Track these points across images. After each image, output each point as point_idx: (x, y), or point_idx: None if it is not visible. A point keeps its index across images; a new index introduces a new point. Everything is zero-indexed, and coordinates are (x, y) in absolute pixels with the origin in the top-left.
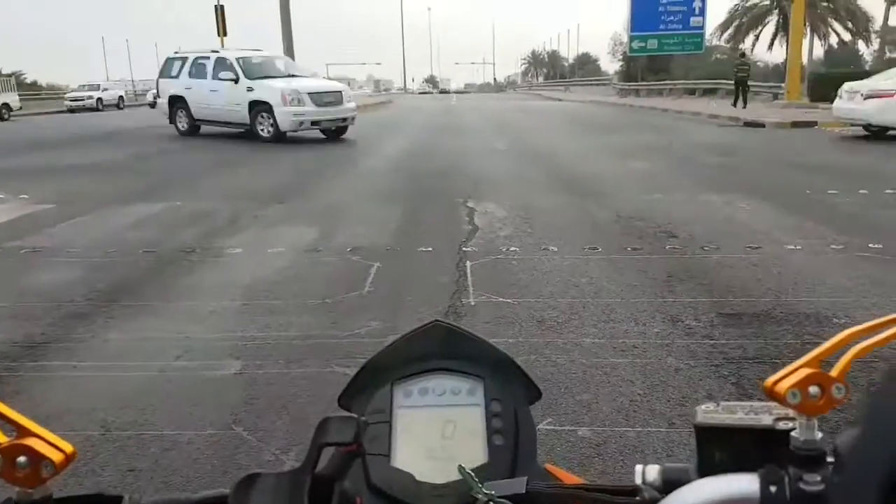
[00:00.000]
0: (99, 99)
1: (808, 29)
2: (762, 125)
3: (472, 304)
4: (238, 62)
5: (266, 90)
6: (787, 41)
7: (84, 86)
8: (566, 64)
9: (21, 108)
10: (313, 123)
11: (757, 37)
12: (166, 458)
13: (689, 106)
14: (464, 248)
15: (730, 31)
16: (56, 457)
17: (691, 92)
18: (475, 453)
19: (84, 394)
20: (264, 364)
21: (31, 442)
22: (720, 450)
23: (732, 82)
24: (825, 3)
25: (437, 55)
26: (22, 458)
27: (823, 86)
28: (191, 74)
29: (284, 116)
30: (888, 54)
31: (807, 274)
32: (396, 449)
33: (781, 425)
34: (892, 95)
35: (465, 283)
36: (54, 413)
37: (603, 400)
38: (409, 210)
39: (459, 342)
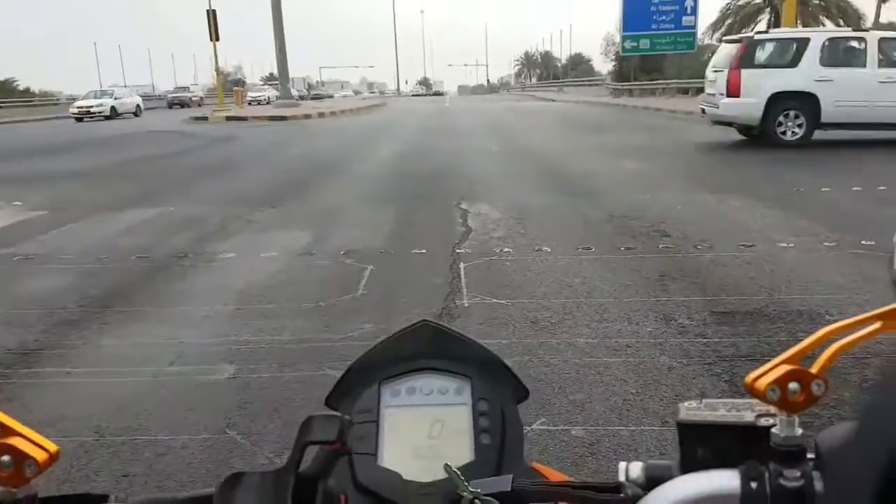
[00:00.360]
0: (112, 108)
1: (800, 26)
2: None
3: (466, 305)
4: None
5: None
6: None
7: (95, 92)
8: (559, 65)
9: None
10: None
11: None
12: (160, 462)
13: (681, 105)
14: (457, 250)
15: (722, 29)
16: (40, 456)
17: (684, 91)
18: (462, 452)
19: (77, 400)
20: (258, 368)
21: (14, 441)
22: (702, 446)
23: None
24: (816, 1)
25: (429, 57)
26: (5, 458)
27: None
28: (824, 62)
29: None
30: None
31: (800, 271)
32: (383, 448)
33: (762, 422)
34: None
35: (458, 284)
36: (48, 419)
37: (596, 399)
38: (402, 212)
39: (447, 342)
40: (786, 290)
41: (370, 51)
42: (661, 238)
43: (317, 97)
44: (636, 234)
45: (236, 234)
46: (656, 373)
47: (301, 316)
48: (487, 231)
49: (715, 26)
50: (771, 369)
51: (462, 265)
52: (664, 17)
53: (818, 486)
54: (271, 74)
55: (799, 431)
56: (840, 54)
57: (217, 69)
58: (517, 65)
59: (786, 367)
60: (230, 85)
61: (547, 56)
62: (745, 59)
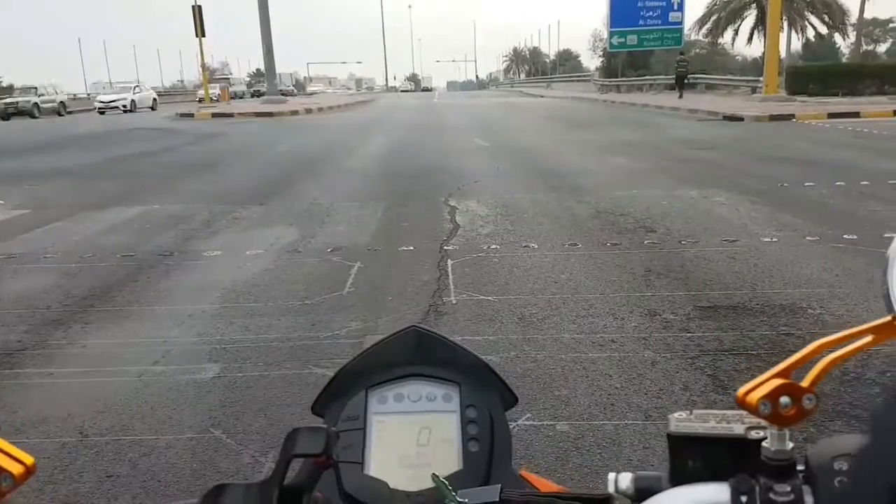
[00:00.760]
0: (132, 101)
1: (786, 23)
2: (741, 119)
3: (454, 302)
4: None
5: None
6: (764, 35)
7: (116, 84)
8: (547, 60)
9: None
10: None
11: (736, 31)
12: (144, 463)
13: (668, 101)
14: (445, 247)
15: (708, 25)
16: (16, 469)
17: (672, 87)
18: (450, 460)
19: (60, 400)
20: (243, 367)
21: None
22: (692, 458)
23: (674, 77)
24: None
25: (418, 53)
26: None
27: (801, 79)
28: None
29: None
30: (864, 47)
31: (782, 266)
32: (370, 457)
33: (753, 434)
34: None
35: (446, 281)
36: (30, 420)
37: (581, 394)
38: (390, 209)
39: (435, 347)
40: (769, 284)
41: (358, 46)
42: (647, 233)
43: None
44: (622, 230)
45: (222, 231)
46: (641, 367)
47: (287, 314)
48: (475, 227)
49: (701, 22)
50: (762, 383)
51: (450, 262)
52: (651, 13)
53: (808, 500)
54: (258, 70)
55: (790, 445)
56: None
57: (203, 65)
58: (506, 61)
59: (777, 381)
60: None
61: (535, 52)
62: None
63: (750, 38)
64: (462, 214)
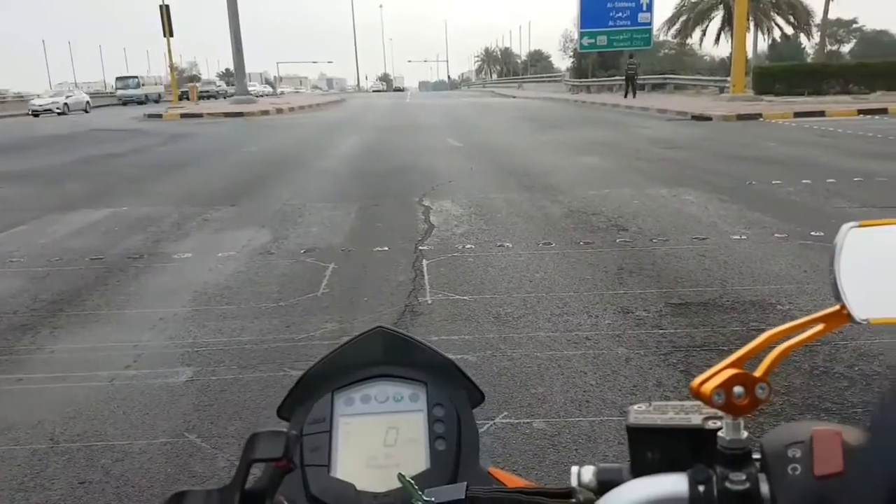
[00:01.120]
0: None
1: (752, 23)
2: (709, 118)
3: (429, 302)
4: None
5: None
6: (731, 35)
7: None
8: (519, 61)
9: None
10: None
11: (703, 31)
12: (118, 468)
13: (638, 102)
14: (420, 247)
15: (677, 26)
16: None
17: (641, 87)
18: (417, 460)
19: (30, 407)
20: (217, 370)
21: None
22: (651, 450)
23: (624, 78)
24: None
25: (389, 53)
26: None
27: (767, 79)
28: None
29: None
30: (829, 47)
31: (751, 263)
32: (337, 459)
33: (710, 424)
34: None
35: (421, 281)
36: None
37: (557, 392)
38: (364, 210)
39: (401, 347)
40: (738, 281)
41: (329, 46)
42: (619, 232)
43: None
44: (594, 229)
45: (193, 233)
46: (615, 364)
47: (261, 316)
48: (450, 227)
49: (670, 22)
50: (716, 373)
51: (425, 262)
52: (620, 14)
53: (763, 488)
54: (227, 70)
55: (744, 434)
56: None
57: (171, 65)
58: (477, 61)
59: (730, 372)
60: (185, 81)
61: (507, 52)
62: None
63: (717, 39)
64: (436, 214)
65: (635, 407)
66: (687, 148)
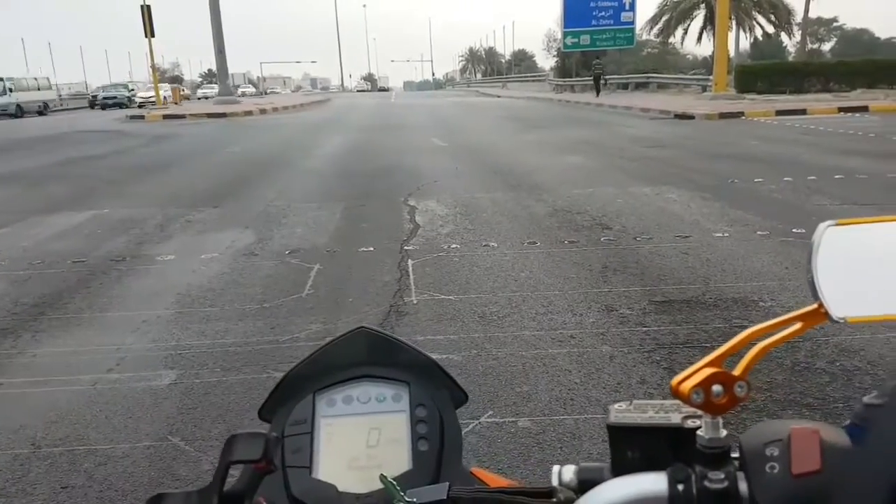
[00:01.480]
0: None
1: (734, 22)
2: (692, 117)
3: (415, 302)
4: None
5: None
6: (714, 34)
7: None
8: (503, 61)
9: None
10: None
11: (686, 30)
12: (101, 472)
13: (623, 101)
14: (405, 247)
15: (659, 25)
16: None
17: (624, 86)
18: (400, 460)
19: (11, 411)
20: (200, 373)
21: None
22: (632, 449)
23: (591, 77)
24: None
25: (373, 53)
26: None
27: (749, 77)
28: None
29: None
30: (809, 45)
31: (734, 260)
32: (319, 460)
33: (689, 423)
34: None
35: (407, 281)
36: None
37: (542, 390)
38: (349, 210)
39: (384, 348)
40: (721, 278)
41: (313, 46)
42: (603, 230)
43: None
44: (579, 228)
45: (176, 235)
46: (598, 362)
47: (245, 318)
48: (435, 227)
49: (653, 21)
50: (695, 372)
51: (410, 262)
52: (603, 13)
53: (742, 486)
54: (210, 71)
55: (723, 433)
56: None
57: (153, 66)
58: (462, 61)
59: (709, 370)
60: (166, 82)
61: (491, 52)
62: None
63: (699, 38)
64: (422, 214)
65: (616, 406)
66: (670, 146)
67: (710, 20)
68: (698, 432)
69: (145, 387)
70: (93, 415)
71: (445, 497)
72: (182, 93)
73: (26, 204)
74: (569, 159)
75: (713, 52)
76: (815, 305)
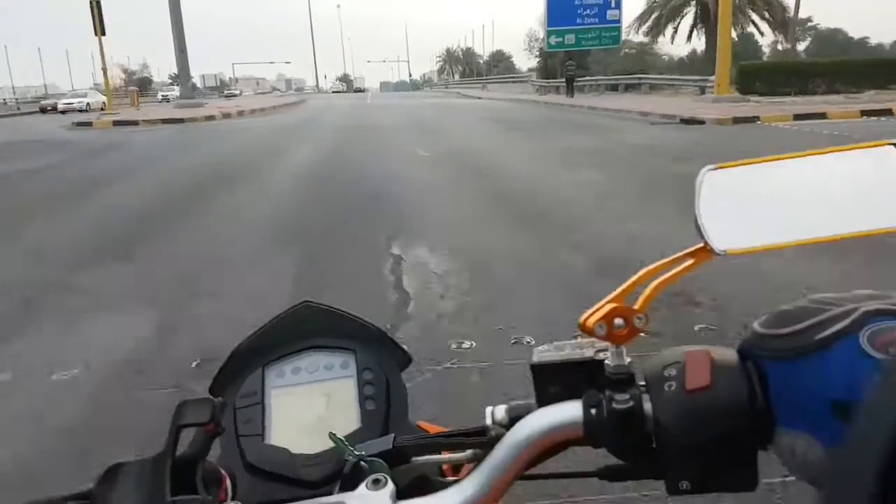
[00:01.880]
0: None
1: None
2: (701, 122)
3: None
4: None
5: None
6: (705, 32)
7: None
8: (481, 61)
9: None
10: None
11: (675, 28)
12: None
13: (613, 103)
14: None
15: (648, 23)
16: None
17: (613, 88)
18: (349, 421)
19: None
20: None
21: None
22: (552, 384)
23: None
24: None
25: (349, 53)
26: None
27: (748, 78)
28: None
29: None
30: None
31: None
32: (271, 428)
33: (599, 356)
34: None
35: None
36: None
37: None
38: (306, 266)
39: (329, 319)
40: None
41: (287, 46)
42: (691, 309)
43: (230, 95)
44: (656, 305)
45: (36, 322)
46: None
47: None
48: (432, 301)
49: (641, 20)
50: (599, 308)
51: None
52: (588, 12)
53: (646, 406)
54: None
55: (627, 360)
56: None
57: (104, 68)
58: (439, 61)
59: (611, 306)
60: (133, 84)
61: (469, 52)
62: None
63: (689, 36)
64: (411, 272)
65: (539, 348)
66: (694, 159)
67: (701, 17)
68: (605, 361)
69: None
70: None
71: (391, 447)
72: (140, 94)
73: None
74: (581, 176)
75: (703, 51)
76: (702, 244)
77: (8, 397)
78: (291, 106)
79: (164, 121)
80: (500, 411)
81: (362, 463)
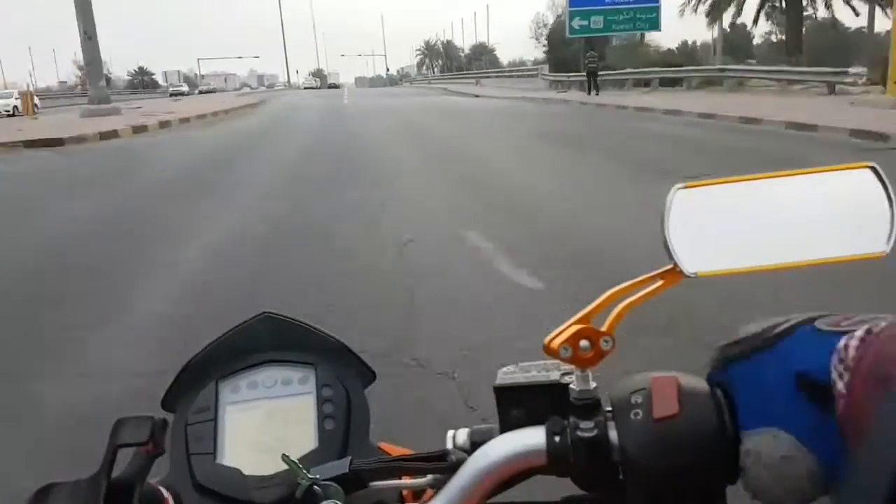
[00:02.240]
0: None
1: None
2: (884, 137)
3: None
4: None
5: None
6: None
7: None
8: (462, 54)
9: None
10: None
11: (739, 9)
12: None
13: (695, 104)
14: None
15: (707, 2)
16: None
17: (645, 84)
18: (306, 440)
19: None
20: None
21: None
22: (516, 407)
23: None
24: None
25: (322, 47)
26: None
27: None
28: None
29: None
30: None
31: None
32: (224, 446)
33: (565, 379)
34: None
35: None
36: None
37: None
38: None
39: (288, 332)
40: None
41: (258, 40)
42: None
43: (207, 92)
44: None
45: None
46: None
47: None
48: None
49: None
50: (564, 330)
51: None
52: None
53: (612, 434)
54: (141, 68)
55: (593, 385)
56: None
57: None
58: (418, 55)
59: (577, 327)
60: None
61: (449, 45)
62: None
63: (756, 19)
64: None
65: (503, 369)
66: None
67: None
68: (570, 386)
69: None
70: None
71: (347, 470)
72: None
73: None
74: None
75: (890, 33)
76: (672, 265)
77: None
78: (249, 109)
79: (28, 144)
80: (462, 435)
81: (316, 487)
